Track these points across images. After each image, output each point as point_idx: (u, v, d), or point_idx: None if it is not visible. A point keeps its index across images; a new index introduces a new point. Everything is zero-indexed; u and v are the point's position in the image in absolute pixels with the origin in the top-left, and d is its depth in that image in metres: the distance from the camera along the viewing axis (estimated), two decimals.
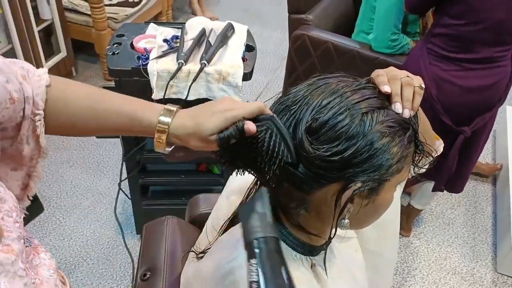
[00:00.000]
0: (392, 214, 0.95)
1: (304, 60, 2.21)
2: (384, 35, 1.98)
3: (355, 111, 0.65)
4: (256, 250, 0.59)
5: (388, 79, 0.69)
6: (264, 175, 0.67)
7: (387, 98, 0.69)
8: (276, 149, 0.65)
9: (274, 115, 0.68)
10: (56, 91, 0.72)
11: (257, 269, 0.57)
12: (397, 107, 0.67)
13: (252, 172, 0.72)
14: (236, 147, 0.68)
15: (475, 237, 2.32)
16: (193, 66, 1.55)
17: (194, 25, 1.72)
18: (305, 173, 0.66)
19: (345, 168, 0.64)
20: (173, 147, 0.74)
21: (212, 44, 1.62)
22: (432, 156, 0.78)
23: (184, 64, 1.54)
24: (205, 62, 1.54)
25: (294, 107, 0.68)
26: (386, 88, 0.68)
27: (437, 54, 1.67)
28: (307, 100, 0.67)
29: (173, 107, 0.71)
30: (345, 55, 2.11)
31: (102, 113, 0.73)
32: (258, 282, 0.56)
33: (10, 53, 2.53)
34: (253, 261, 0.58)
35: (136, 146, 1.78)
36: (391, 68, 0.73)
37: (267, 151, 0.66)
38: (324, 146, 0.64)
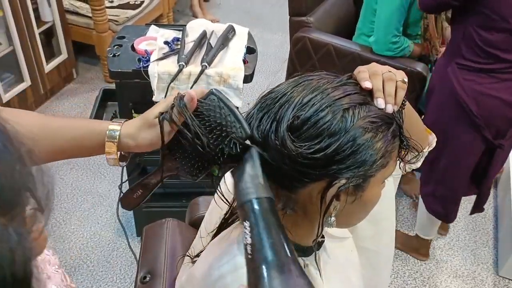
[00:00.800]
0: (387, 211, 0.95)
1: (305, 63, 2.21)
2: (385, 38, 1.98)
3: (337, 108, 0.64)
4: (249, 212, 0.58)
5: (370, 75, 0.69)
6: (218, 156, 0.67)
7: (369, 94, 0.68)
8: (224, 118, 0.65)
9: (215, 89, 0.69)
10: (5, 114, 0.73)
11: (250, 231, 0.56)
12: (380, 102, 0.67)
13: (204, 162, 0.70)
14: (184, 133, 0.68)
15: (476, 240, 2.32)
16: (194, 68, 1.55)
17: (195, 27, 1.72)
18: (289, 171, 0.66)
19: (329, 165, 0.64)
20: (126, 162, 0.76)
21: (213, 46, 1.62)
22: (418, 151, 0.76)
23: (185, 66, 1.54)
24: (206, 64, 1.54)
25: (275, 105, 0.67)
26: (367, 84, 0.67)
27: (470, 68, 1.62)
28: (288, 98, 0.67)
29: (120, 120, 0.76)
30: (346, 58, 2.11)
31: (54, 130, 0.74)
32: (252, 244, 0.55)
33: (12, 55, 2.53)
34: (246, 223, 0.57)
35: None
36: (373, 64, 0.72)
37: (215, 122, 0.66)
38: (306, 143, 0.64)
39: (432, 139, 0.95)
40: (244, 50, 1.67)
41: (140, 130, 0.72)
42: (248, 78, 1.59)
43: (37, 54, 2.67)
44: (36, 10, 2.65)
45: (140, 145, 0.73)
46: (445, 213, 1.96)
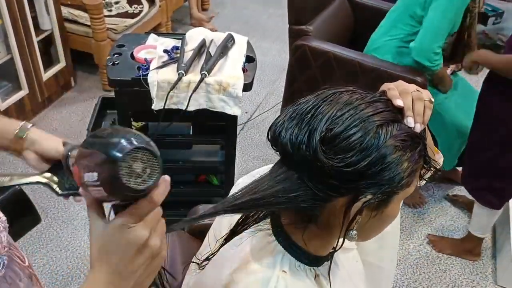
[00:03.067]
0: (392, 226, 0.95)
1: (304, 71, 2.22)
2: (430, 46, 1.94)
3: (369, 124, 0.65)
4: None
5: (399, 92, 0.71)
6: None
7: (399, 112, 0.70)
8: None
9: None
10: None
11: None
12: (410, 121, 0.69)
13: None
14: None
15: None
16: (193, 76, 1.55)
17: (194, 36, 1.72)
18: (317, 184, 0.66)
19: (358, 179, 0.65)
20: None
21: (212, 55, 1.62)
22: (438, 171, 0.79)
23: (184, 74, 1.54)
24: (206, 72, 1.54)
25: (307, 116, 0.68)
26: (399, 102, 0.69)
27: None
28: (320, 110, 0.68)
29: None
30: (346, 66, 2.12)
31: None
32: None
33: (10, 63, 2.53)
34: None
35: None
36: (400, 81, 0.74)
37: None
38: (338, 156, 0.65)
39: (439, 158, 0.96)
40: (244, 58, 1.67)
41: (47, 139, 0.81)
42: (247, 87, 1.60)
43: (35, 62, 2.67)
44: (34, 19, 2.65)
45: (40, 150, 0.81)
46: (499, 204, 2.03)
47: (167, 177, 0.58)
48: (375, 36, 2.25)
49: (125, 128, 0.57)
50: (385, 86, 0.73)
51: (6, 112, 2.56)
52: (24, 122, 0.83)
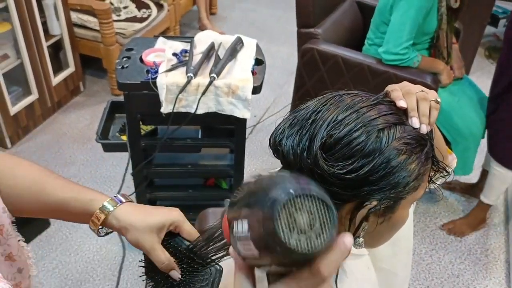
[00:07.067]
0: (406, 230, 0.92)
1: (313, 74, 2.21)
2: (394, 48, 1.97)
3: (371, 128, 0.62)
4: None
5: (403, 93, 0.68)
6: None
7: (404, 114, 0.67)
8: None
9: None
10: (4, 162, 0.77)
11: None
12: (414, 121, 0.66)
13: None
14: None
15: (488, 254, 2.28)
16: (202, 79, 1.54)
17: (203, 39, 1.72)
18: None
19: (361, 186, 0.62)
20: (105, 233, 0.79)
21: (221, 58, 1.61)
22: (448, 172, 0.75)
23: (193, 77, 1.53)
24: (215, 75, 1.53)
25: (308, 122, 0.65)
26: (402, 103, 0.66)
27: None
28: (321, 115, 0.65)
29: (122, 198, 0.78)
30: (354, 69, 2.10)
31: (48, 187, 0.76)
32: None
33: (19, 68, 2.54)
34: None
35: (144, 160, 1.77)
36: (405, 83, 0.71)
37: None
38: (339, 163, 0.62)
39: (452, 159, 0.94)
40: (253, 61, 1.66)
41: (143, 229, 0.75)
42: (256, 89, 1.59)
43: (45, 67, 2.68)
44: (44, 24, 2.67)
45: (124, 235, 0.76)
46: None
47: (343, 241, 0.43)
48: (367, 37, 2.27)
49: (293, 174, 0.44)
50: (389, 87, 0.70)
51: (16, 117, 2.58)
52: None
